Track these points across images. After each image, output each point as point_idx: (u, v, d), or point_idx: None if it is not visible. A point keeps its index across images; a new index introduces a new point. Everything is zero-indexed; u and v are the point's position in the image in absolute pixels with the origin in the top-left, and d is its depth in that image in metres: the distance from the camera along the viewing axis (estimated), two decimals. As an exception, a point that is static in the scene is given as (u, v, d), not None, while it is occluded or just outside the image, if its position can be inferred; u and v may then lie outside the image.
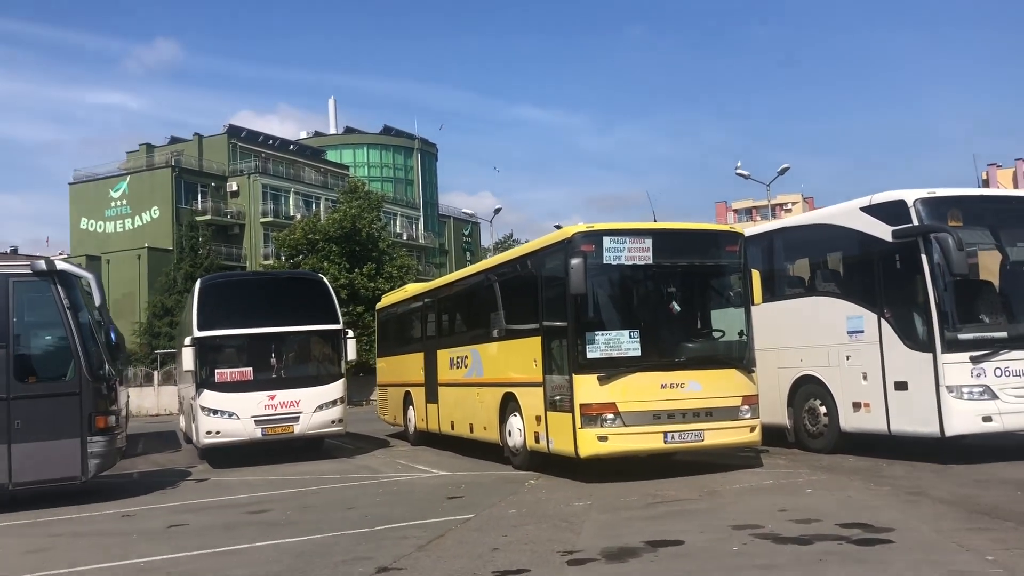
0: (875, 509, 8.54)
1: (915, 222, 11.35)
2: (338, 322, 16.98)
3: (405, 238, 74.68)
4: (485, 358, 14.33)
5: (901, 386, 11.60)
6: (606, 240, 11.25)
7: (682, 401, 11.20)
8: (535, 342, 12.18)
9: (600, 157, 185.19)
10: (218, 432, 15.99)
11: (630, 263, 11.35)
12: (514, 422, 13.01)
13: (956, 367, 11.01)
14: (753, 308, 12.16)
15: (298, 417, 16.25)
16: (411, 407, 18.71)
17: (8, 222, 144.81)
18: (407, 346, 19.32)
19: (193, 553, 8.09)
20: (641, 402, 11.08)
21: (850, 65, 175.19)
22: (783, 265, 14.52)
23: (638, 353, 11.18)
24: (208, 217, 60.27)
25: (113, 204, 61.79)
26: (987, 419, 10.99)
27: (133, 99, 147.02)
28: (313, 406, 16.36)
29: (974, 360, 11.01)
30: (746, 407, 11.59)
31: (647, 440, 11.13)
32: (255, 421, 16.01)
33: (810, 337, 13.23)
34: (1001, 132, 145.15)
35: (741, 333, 11.93)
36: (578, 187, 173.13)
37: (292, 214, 61.56)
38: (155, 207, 60.13)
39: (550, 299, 11.93)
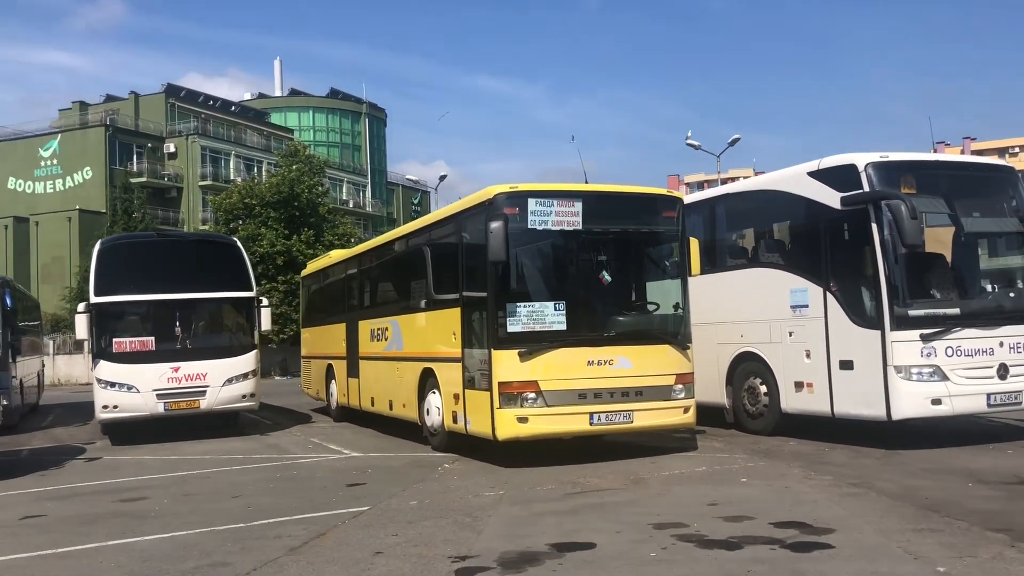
0: (814, 504, 7.66)
1: (866, 188, 10.46)
2: (251, 289, 15.71)
3: (352, 205, 72.89)
4: (405, 330, 13.22)
5: (846, 365, 10.76)
6: (531, 202, 10.17)
7: (610, 379, 10.23)
8: (454, 314, 11.10)
9: (555, 129, 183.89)
10: (115, 407, 14.69)
11: (558, 228, 10.29)
12: (432, 400, 11.95)
13: (905, 346, 10.19)
14: (691, 280, 11.21)
15: (204, 391, 15.01)
16: (333, 381, 17.55)
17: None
18: (330, 316, 18.11)
19: (25, 555, 6.91)
20: (565, 380, 10.08)
21: (803, 43, 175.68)
22: (725, 234, 13.60)
23: (563, 327, 10.16)
24: (144, 179, 57.84)
25: (43, 164, 59.01)
26: (936, 402, 10.20)
27: (77, 59, 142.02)
28: (222, 379, 15.11)
29: (924, 339, 10.20)
30: (680, 386, 10.66)
31: (571, 422, 10.14)
32: (157, 395, 14.74)
33: (752, 311, 12.34)
34: (949, 112, 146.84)
35: (677, 306, 10.97)
36: (533, 159, 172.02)
37: (232, 178, 59.31)
38: (87, 167, 57.53)
39: (470, 267, 10.84)
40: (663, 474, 9.53)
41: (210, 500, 9.14)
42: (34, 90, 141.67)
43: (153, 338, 15.02)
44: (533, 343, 10.01)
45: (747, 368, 12.53)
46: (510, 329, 10.00)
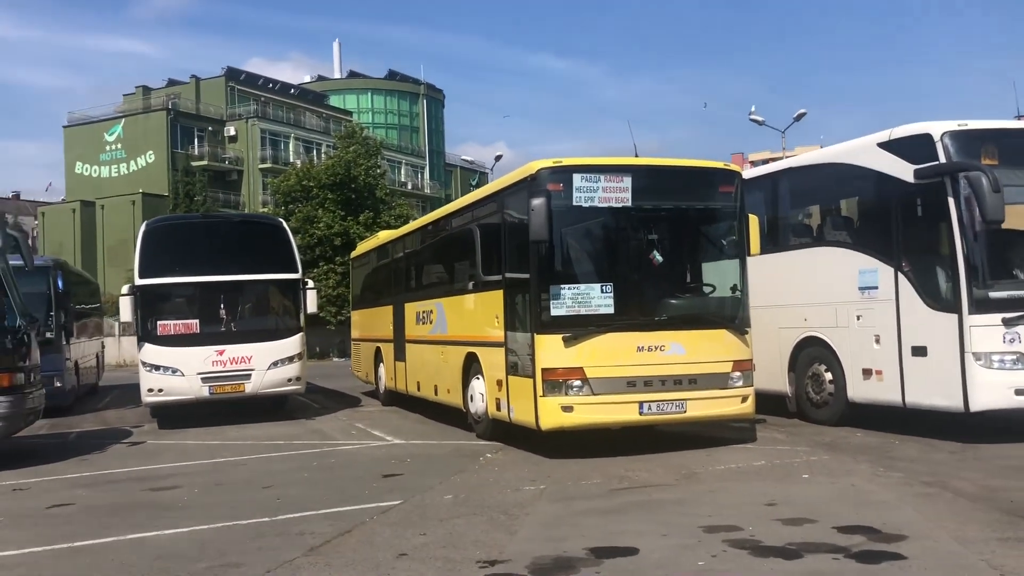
0: (883, 505, 6.96)
1: (942, 159, 9.60)
2: (297, 271, 15.41)
3: (410, 187, 72.87)
4: (449, 313, 12.75)
5: (919, 351, 9.95)
6: (576, 178, 9.56)
7: (662, 366, 9.60)
8: (497, 296, 10.58)
9: (618, 108, 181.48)
10: (160, 390, 14.54)
11: (605, 205, 9.66)
12: (476, 386, 11.46)
13: (985, 331, 9.34)
14: (750, 260, 10.48)
15: (249, 375, 14.77)
16: (381, 364, 17.21)
17: (22, 168, 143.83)
18: (377, 298, 17.75)
19: (38, 549, 6.60)
20: (613, 367, 9.49)
21: (874, 17, 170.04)
22: (787, 211, 12.79)
23: (611, 310, 9.55)
24: (205, 162, 58.43)
25: (108, 148, 60.06)
26: (1021, 392, 9.34)
27: (144, 46, 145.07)
28: (267, 362, 14.86)
29: (1007, 323, 9.34)
30: (737, 373, 9.97)
31: (619, 411, 9.55)
32: (201, 378, 14.54)
33: (816, 294, 11.56)
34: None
35: (734, 288, 10.27)
36: (595, 139, 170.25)
37: (292, 160, 59.67)
38: (150, 151, 58.38)
39: (513, 247, 10.29)
40: (717, 468, 8.89)
41: (241, 490, 8.79)
42: (104, 77, 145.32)
43: (198, 321, 14.83)
44: (579, 327, 9.43)
45: (811, 354, 11.76)
46: (554, 313, 9.44)
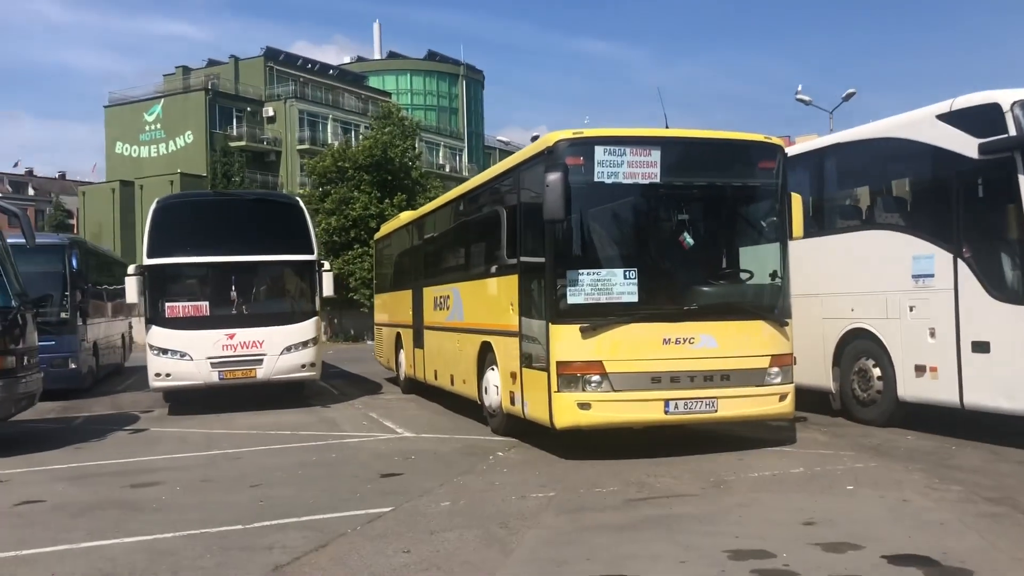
0: (942, 529, 6.00)
1: (1012, 131, 8.52)
2: (312, 252, 14.67)
3: (448, 169, 72.04)
4: (466, 299, 11.93)
5: (981, 347, 8.91)
6: (599, 150, 8.64)
7: (691, 361, 8.69)
8: (512, 282, 9.73)
9: (660, 92, 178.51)
10: (168, 375, 13.93)
11: (630, 181, 8.73)
12: (491, 377, 10.63)
13: (1058, 326, 8.28)
14: (792, 244, 9.49)
15: (261, 360, 14.10)
16: (402, 351, 16.47)
17: (75, 150, 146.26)
18: (398, 283, 17.01)
19: (-22, 560, 5.93)
20: (636, 361, 8.59)
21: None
22: (834, 191, 11.72)
23: (635, 298, 8.65)
24: (243, 143, 58.21)
25: (147, 128, 60.08)
26: (1098, 396, 8.28)
27: (190, 28, 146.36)
28: (280, 347, 14.18)
29: (1084, 317, 8.27)
30: (775, 369, 9.02)
31: (642, 409, 8.66)
32: (211, 363, 13.90)
33: (864, 281, 10.54)
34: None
35: (774, 275, 9.29)
36: (637, 123, 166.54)
37: (330, 141, 59.20)
38: (189, 132, 58.27)
39: (529, 228, 9.41)
40: (750, 475, 7.96)
41: (225, 490, 8.07)
42: (152, 60, 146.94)
43: (208, 303, 14.18)
44: (598, 317, 8.55)
45: (858, 347, 10.75)
46: (571, 300, 8.56)
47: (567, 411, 8.56)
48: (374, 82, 75.21)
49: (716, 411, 8.77)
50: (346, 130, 62.79)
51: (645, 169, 8.74)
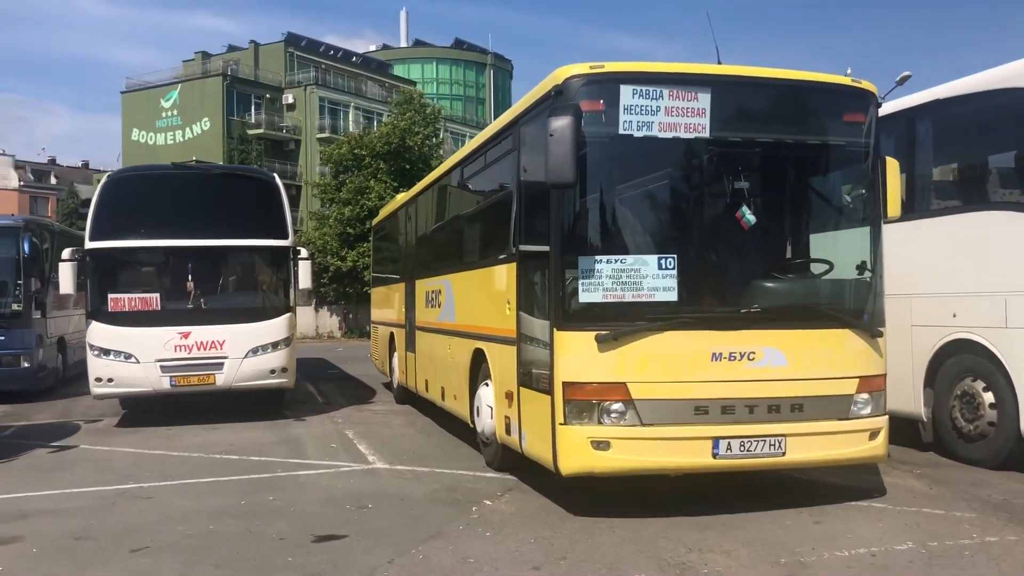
0: None
1: None
2: (287, 236, 12.37)
3: (474, 160, 69.78)
4: (457, 295, 9.58)
5: None
6: (626, 92, 6.23)
7: (750, 384, 6.27)
8: (509, 272, 7.35)
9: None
10: (110, 380, 11.70)
11: (669, 135, 6.32)
12: (484, 395, 8.26)
13: None
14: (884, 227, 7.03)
15: (221, 364, 11.83)
16: (395, 354, 14.13)
17: (102, 141, 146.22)
18: (392, 274, 14.69)
19: None
20: (674, 384, 6.19)
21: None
22: (930, 162, 9.17)
23: (673, 296, 6.25)
24: (261, 131, 56.32)
25: (164, 115, 58.28)
26: None
27: (220, 21, 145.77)
28: (244, 349, 11.91)
29: None
30: (864, 396, 6.58)
31: (682, 452, 6.24)
32: (161, 367, 11.66)
33: (973, 279, 8.05)
34: None
35: (863, 267, 6.83)
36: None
37: (352, 130, 57.17)
38: (206, 118, 56.38)
39: (530, 201, 7.03)
40: (838, 554, 5.51)
41: (92, 559, 5.75)
42: (189, 53, 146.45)
43: (159, 295, 11.94)
44: (622, 322, 6.15)
45: (961, 364, 8.26)
46: (584, 298, 6.16)
47: (577, 451, 6.17)
48: (399, 70, 73.12)
49: (784, 454, 6.34)
50: (368, 119, 60.63)
51: (690, 119, 6.32)
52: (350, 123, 59.85)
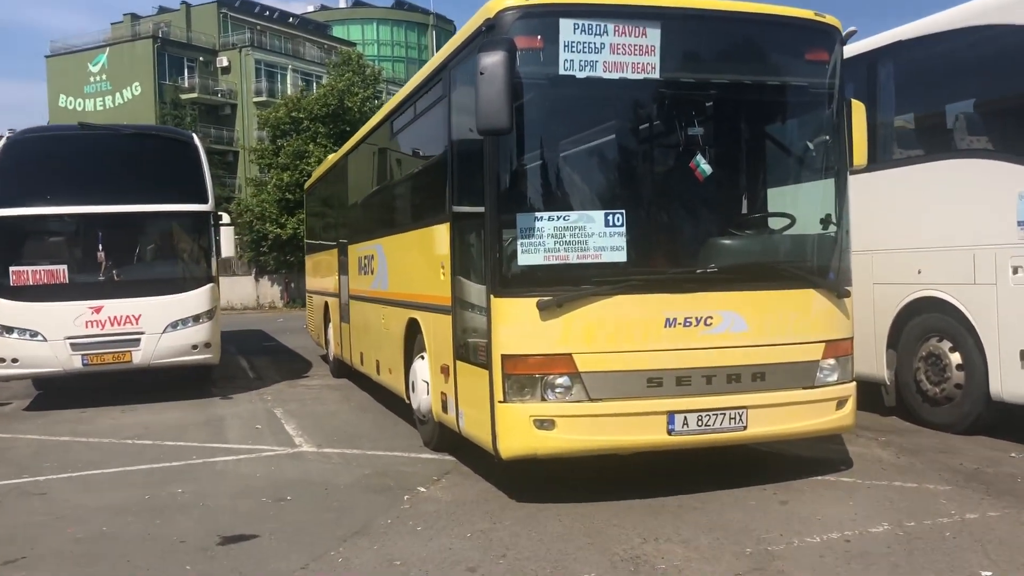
0: None
1: None
2: (206, 200, 11.44)
3: (417, 124, 68.34)
4: (390, 261, 8.83)
5: None
6: (566, 27, 5.50)
7: (708, 353, 5.67)
8: (442, 234, 6.62)
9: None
10: (15, 360, 10.71)
11: (615, 75, 5.61)
12: (419, 369, 7.55)
13: None
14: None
15: (138, 340, 10.93)
16: (330, 325, 13.34)
17: (36, 108, 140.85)
18: (324, 240, 13.84)
19: None
20: (625, 354, 5.56)
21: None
22: (892, 108, 8.60)
23: (622, 256, 5.58)
24: (195, 95, 54.19)
25: (92, 80, 55.75)
26: None
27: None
28: (162, 324, 11.01)
29: None
30: (831, 362, 6.03)
31: (633, 428, 5.61)
32: (71, 345, 10.72)
33: (939, 232, 7.55)
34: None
35: (827, 221, 6.24)
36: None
37: (290, 94, 55.33)
38: (136, 83, 54.03)
39: (462, 153, 6.29)
40: (808, 541, 4.94)
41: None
42: (111, 14, 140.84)
43: (66, 267, 10.96)
44: (566, 285, 5.48)
45: (927, 324, 7.78)
46: (524, 260, 5.47)
47: (518, 432, 5.51)
48: (338, 32, 70.98)
49: (745, 427, 5.76)
50: (307, 82, 58.74)
51: (637, 57, 5.61)
52: (288, 87, 57.93)
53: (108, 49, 55.85)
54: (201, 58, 56.54)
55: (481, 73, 5.11)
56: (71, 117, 54.99)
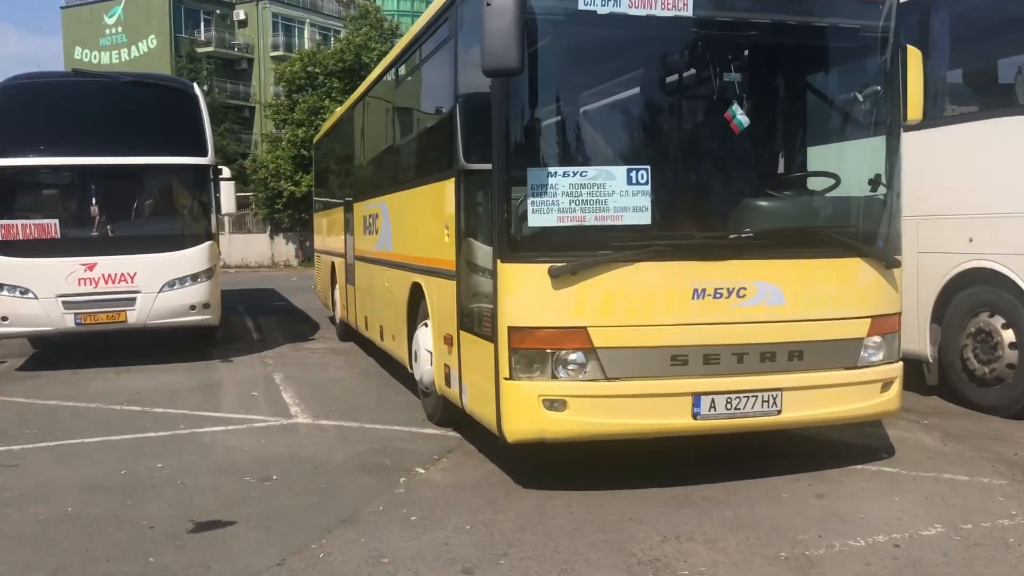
0: None
1: None
2: (206, 153, 10.86)
3: (437, 81, 67.31)
4: (394, 220, 8.24)
5: None
6: (587, -42, 4.82)
7: (739, 328, 5.05)
8: (446, 191, 6.00)
9: None
10: (4, 318, 10.24)
11: (641, 11, 4.94)
12: (422, 338, 6.98)
13: None
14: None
15: (133, 299, 10.42)
16: (336, 287, 12.79)
17: (53, 61, 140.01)
18: (331, 197, 13.25)
19: None
20: (646, 328, 4.95)
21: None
22: (944, 61, 7.85)
23: (646, 219, 4.96)
24: (211, 48, 53.49)
25: (108, 32, 55.11)
26: None
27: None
28: (159, 282, 10.50)
29: None
30: (876, 339, 5.40)
31: (655, 411, 5.03)
32: (63, 303, 10.24)
33: (992, 197, 6.87)
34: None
35: (876, 182, 5.57)
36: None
37: (307, 48, 54.44)
38: (152, 36, 53.32)
39: (469, 102, 5.64)
40: (852, 544, 4.36)
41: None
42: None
43: (58, 221, 10.44)
44: (582, 250, 4.87)
45: (977, 297, 7.13)
46: (534, 222, 4.86)
47: (525, 413, 4.94)
48: (359, -14, 69.70)
49: (779, 412, 5.16)
50: (325, 36, 57.71)
51: (667, -7, 4.94)
52: (305, 41, 57.01)
53: (124, 1, 55.04)
54: (218, 11, 55.70)
55: (488, 4, 4.46)
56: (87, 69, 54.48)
